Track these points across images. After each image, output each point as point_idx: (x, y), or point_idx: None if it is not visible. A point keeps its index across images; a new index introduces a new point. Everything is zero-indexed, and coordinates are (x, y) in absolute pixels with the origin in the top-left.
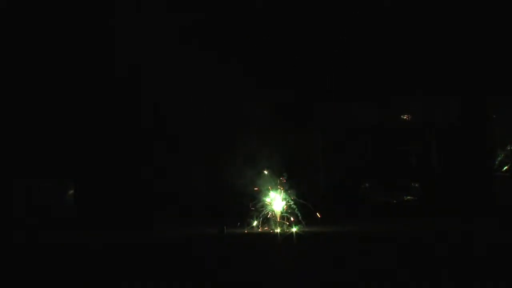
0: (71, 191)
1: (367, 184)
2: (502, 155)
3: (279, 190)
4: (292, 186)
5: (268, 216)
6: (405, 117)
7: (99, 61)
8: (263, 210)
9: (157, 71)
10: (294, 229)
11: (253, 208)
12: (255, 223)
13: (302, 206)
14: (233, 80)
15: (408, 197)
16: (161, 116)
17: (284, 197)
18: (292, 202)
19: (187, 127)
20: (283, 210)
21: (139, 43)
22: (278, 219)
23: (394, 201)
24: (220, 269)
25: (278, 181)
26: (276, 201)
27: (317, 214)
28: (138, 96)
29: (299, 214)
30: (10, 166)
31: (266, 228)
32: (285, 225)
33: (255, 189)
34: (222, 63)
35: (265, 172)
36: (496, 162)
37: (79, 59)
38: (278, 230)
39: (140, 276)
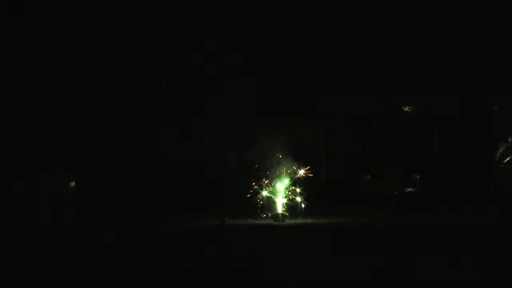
0: (73, 183)
1: (368, 176)
2: (503, 147)
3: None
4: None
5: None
6: (406, 110)
7: (100, 56)
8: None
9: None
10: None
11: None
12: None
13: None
14: (235, 74)
15: (409, 189)
16: (162, 111)
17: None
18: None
19: (190, 118)
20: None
21: (140, 42)
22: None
23: (395, 193)
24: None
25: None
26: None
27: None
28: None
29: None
30: (12, 158)
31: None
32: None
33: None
34: (225, 55)
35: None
36: (497, 154)
37: (80, 56)
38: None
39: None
